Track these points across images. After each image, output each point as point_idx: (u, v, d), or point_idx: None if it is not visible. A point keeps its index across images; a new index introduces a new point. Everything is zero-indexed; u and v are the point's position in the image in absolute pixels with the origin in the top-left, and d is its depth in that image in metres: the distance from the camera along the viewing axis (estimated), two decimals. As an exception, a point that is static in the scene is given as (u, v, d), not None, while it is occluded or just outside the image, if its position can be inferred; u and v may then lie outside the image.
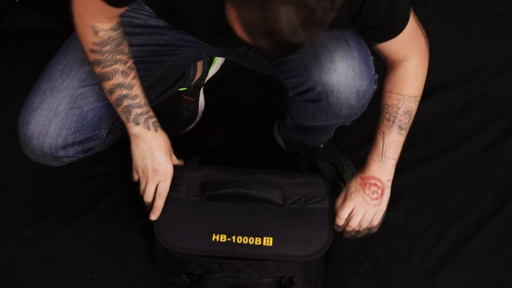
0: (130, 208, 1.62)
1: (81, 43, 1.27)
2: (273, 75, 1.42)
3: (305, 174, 1.50)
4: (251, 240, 1.34)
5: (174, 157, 1.42)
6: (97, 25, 1.23)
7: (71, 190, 1.68)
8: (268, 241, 1.34)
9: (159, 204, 1.38)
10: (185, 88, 1.76)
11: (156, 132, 1.35)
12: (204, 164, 1.50)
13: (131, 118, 1.32)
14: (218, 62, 1.87)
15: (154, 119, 1.35)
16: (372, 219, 1.41)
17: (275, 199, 1.38)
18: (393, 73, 1.35)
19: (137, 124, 1.32)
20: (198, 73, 1.76)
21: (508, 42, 2.03)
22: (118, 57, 1.27)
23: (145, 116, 1.33)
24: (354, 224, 1.41)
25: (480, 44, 2.02)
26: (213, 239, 1.35)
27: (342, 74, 1.27)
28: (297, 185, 1.43)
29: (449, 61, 1.98)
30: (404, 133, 1.37)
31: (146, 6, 1.39)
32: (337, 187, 1.61)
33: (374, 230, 1.45)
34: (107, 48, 1.25)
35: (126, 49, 1.28)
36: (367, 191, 1.39)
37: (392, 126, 1.36)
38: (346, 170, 1.69)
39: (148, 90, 1.46)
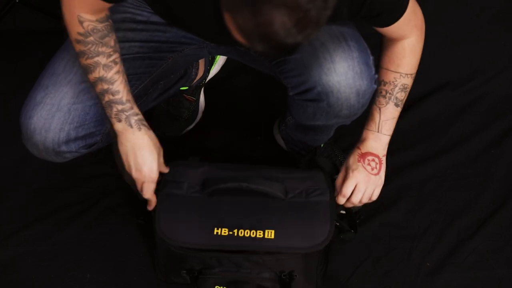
0: (130, 208, 1.62)
1: (68, 33, 1.26)
2: (274, 74, 1.42)
3: (305, 170, 1.51)
4: (253, 233, 1.35)
5: (161, 160, 1.38)
6: (83, 15, 1.22)
7: (71, 190, 1.68)
8: (270, 234, 1.35)
9: (152, 200, 1.38)
10: (187, 88, 1.76)
11: (140, 130, 1.31)
12: (204, 164, 1.51)
13: (113, 114, 1.29)
14: (220, 61, 1.87)
15: (137, 117, 1.31)
16: (372, 194, 1.43)
17: (276, 193, 1.38)
18: (390, 50, 1.36)
19: (119, 121, 1.29)
20: (200, 72, 1.76)
21: (508, 42, 2.03)
22: (101, 49, 1.24)
23: (127, 113, 1.29)
24: (356, 201, 1.42)
25: (480, 44, 2.02)
26: (215, 233, 1.35)
27: (342, 74, 1.27)
28: (298, 179, 1.43)
29: (449, 61, 1.98)
30: (399, 109, 1.39)
31: None
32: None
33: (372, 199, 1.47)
34: (90, 39, 1.23)
35: (112, 43, 1.26)
36: (367, 167, 1.40)
37: (388, 103, 1.37)
38: (346, 169, 1.69)
39: (150, 87, 1.46)
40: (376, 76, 1.33)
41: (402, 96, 1.38)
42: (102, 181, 1.69)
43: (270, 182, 1.39)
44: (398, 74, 1.36)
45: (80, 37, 1.24)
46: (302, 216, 1.38)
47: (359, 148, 1.41)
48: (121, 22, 1.38)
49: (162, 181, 1.40)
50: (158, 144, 1.35)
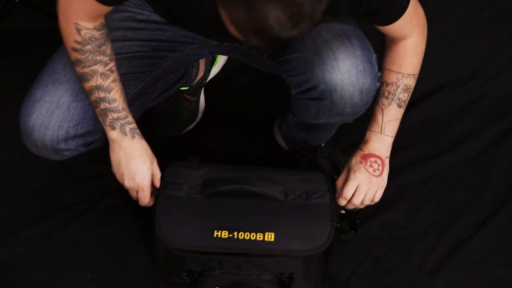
0: (130, 208, 1.61)
1: (64, 41, 1.26)
2: (276, 73, 1.41)
3: (305, 171, 1.51)
4: (253, 235, 1.34)
5: (156, 169, 1.39)
6: (80, 23, 1.21)
7: (71, 190, 1.68)
8: (270, 236, 1.34)
9: (151, 204, 1.40)
10: (187, 88, 1.76)
11: (133, 139, 1.32)
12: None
13: (107, 122, 1.29)
14: (220, 62, 1.87)
15: (132, 126, 1.32)
16: (374, 195, 1.42)
17: (276, 195, 1.38)
18: (392, 50, 1.36)
19: (113, 128, 1.30)
20: (201, 73, 1.76)
21: (508, 42, 2.03)
22: (98, 58, 1.25)
23: (122, 122, 1.30)
24: (357, 202, 1.42)
25: (480, 44, 2.02)
26: (215, 235, 1.34)
27: (345, 72, 1.27)
28: (298, 181, 1.43)
29: (449, 61, 1.98)
30: (402, 110, 1.39)
31: None
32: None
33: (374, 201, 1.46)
34: (88, 47, 1.24)
35: (109, 51, 1.27)
36: (369, 169, 1.40)
37: (391, 103, 1.37)
38: (346, 169, 1.69)
39: (150, 86, 1.46)
40: (379, 74, 1.32)
41: (404, 96, 1.37)
42: (102, 181, 1.69)
43: (270, 184, 1.39)
44: (401, 75, 1.36)
45: (77, 46, 1.24)
46: (302, 218, 1.37)
47: (361, 149, 1.41)
48: (121, 21, 1.38)
49: (162, 182, 1.40)
50: (151, 153, 1.36)
